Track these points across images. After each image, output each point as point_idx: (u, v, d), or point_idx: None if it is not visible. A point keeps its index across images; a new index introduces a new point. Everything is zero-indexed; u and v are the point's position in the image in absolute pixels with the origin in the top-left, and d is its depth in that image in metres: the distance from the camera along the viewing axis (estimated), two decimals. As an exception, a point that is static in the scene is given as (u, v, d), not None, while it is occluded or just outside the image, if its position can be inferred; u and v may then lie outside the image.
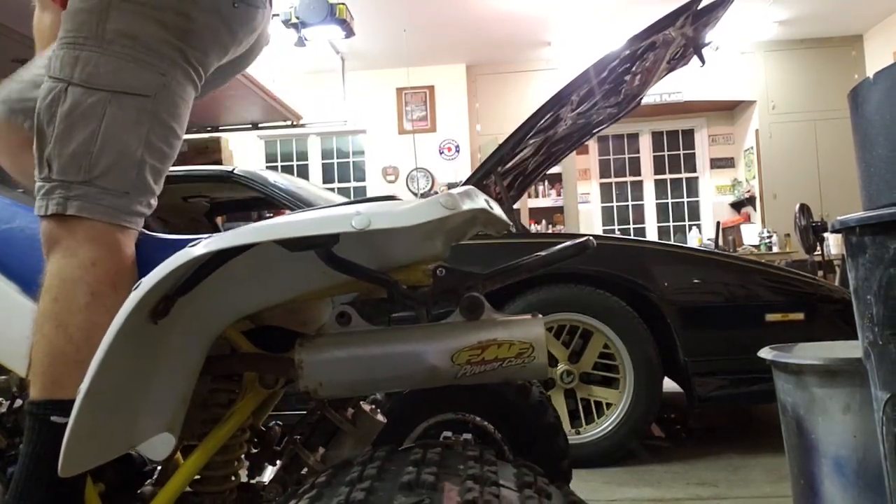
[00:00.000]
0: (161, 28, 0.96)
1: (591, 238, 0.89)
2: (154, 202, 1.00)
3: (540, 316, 0.79)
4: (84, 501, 0.87)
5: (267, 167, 7.90)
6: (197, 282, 0.75)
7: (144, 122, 0.95)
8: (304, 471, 0.97)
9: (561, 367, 2.59)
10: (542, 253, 0.87)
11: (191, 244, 0.69)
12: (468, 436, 0.97)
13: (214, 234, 0.70)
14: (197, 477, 0.94)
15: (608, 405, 2.61)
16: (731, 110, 8.57)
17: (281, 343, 0.95)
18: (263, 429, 1.07)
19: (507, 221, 0.86)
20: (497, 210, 0.80)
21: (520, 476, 0.67)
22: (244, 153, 7.84)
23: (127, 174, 0.93)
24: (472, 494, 0.58)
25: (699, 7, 2.38)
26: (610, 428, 2.57)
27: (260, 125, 6.54)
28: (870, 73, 0.99)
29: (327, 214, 0.68)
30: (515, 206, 3.92)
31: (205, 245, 0.68)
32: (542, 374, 0.79)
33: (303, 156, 8.57)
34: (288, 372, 0.90)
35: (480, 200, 0.74)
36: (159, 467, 1.01)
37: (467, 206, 0.70)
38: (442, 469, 0.63)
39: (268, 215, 5.25)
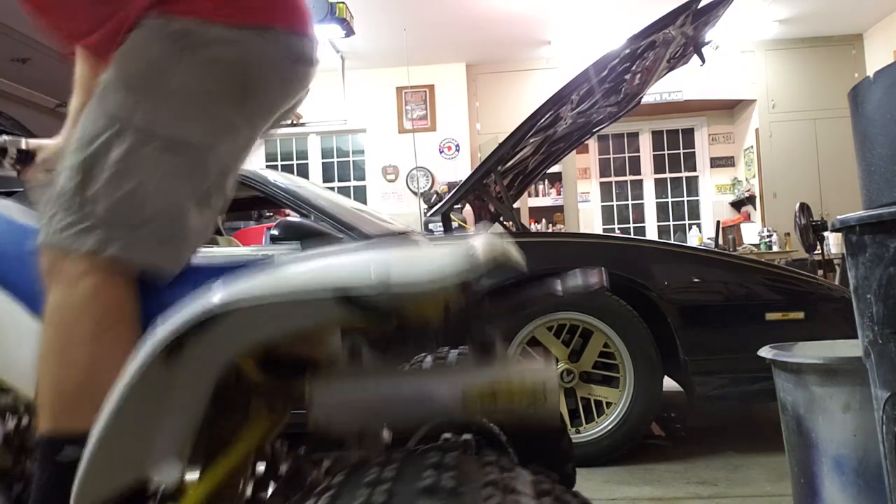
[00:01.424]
0: (222, 84, 0.96)
1: (602, 269, 0.89)
2: (192, 247, 0.98)
3: (553, 358, 0.79)
4: None
5: (267, 166, 7.90)
6: (211, 319, 0.75)
7: (197, 172, 0.94)
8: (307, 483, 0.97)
9: (561, 366, 2.59)
10: (555, 284, 0.87)
11: (207, 293, 0.69)
12: (468, 436, 0.97)
13: (232, 281, 0.70)
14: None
15: (608, 404, 2.61)
16: (731, 109, 8.57)
17: (288, 369, 0.94)
18: (269, 448, 1.07)
19: (521, 265, 0.86)
20: (514, 256, 0.79)
21: (537, 483, 0.66)
22: (244, 152, 7.83)
23: (171, 224, 0.92)
24: (493, 501, 0.57)
25: (699, 6, 2.38)
26: (610, 427, 2.57)
27: (260, 124, 6.53)
28: (870, 73, 0.99)
29: (348, 268, 0.67)
30: (515, 205, 3.92)
31: (222, 298, 0.68)
32: (553, 418, 0.78)
33: (303, 155, 8.56)
34: (296, 399, 0.89)
35: (501, 248, 0.73)
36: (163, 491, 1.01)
37: (488, 261, 0.68)
38: (460, 474, 0.63)
39: (268, 214, 5.25)
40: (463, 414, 0.77)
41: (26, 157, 1.32)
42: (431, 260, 0.66)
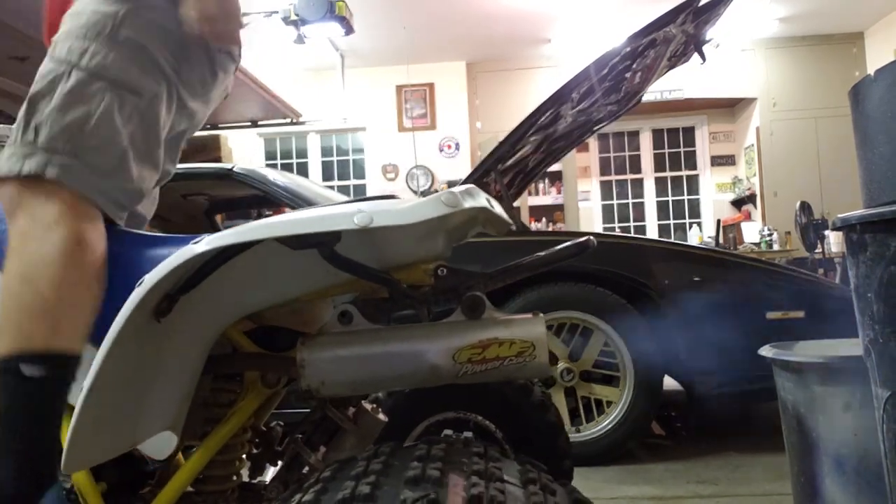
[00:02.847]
0: (164, 47, 1.05)
1: (591, 237, 0.89)
2: (135, 197, 1.03)
3: (541, 315, 0.79)
4: (61, 454, 0.87)
5: (266, 165, 7.90)
6: (199, 280, 0.75)
7: (135, 119, 1.01)
8: (306, 469, 0.97)
9: (561, 365, 2.58)
10: (543, 253, 0.87)
11: (193, 241, 0.69)
12: (469, 434, 0.97)
13: (216, 232, 0.70)
14: (199, 476, 0.94)
15: (608, 403, 2.61)
16: (731, 107, 8.56)
17: (282, 342, 0.95)
18: (265, 429, 1.07)
19: (508, 221, 0.86)
20: (498, 209, 0.80)
21: (524, 473, 0.67)
22: (243, 151, 7.84)
23: (111, 158, 0.98)
24: (477, 490, 0.57)
25: (700, 4, 2.37)
26: (610, 426, 2.57)
27: (259, 123, 6.53)
28: (871, 71, 0.99)
29: (329, 212, 0.68)
30: (515, 204, 3.91)
31: (207, 242, 0.68)
32: (544, 372, 0.79)
33: (302, 153, 8.56)
34: (290, 371, 0.90)
35: (482, 199, 0.74)
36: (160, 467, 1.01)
37: (468, 204, 0.69)
38: (447, 465, 0.63)
39: (267, 213, 5.25)
40: (453, 370, 0.77)
41: None
42: (411, 204, 0.68)
